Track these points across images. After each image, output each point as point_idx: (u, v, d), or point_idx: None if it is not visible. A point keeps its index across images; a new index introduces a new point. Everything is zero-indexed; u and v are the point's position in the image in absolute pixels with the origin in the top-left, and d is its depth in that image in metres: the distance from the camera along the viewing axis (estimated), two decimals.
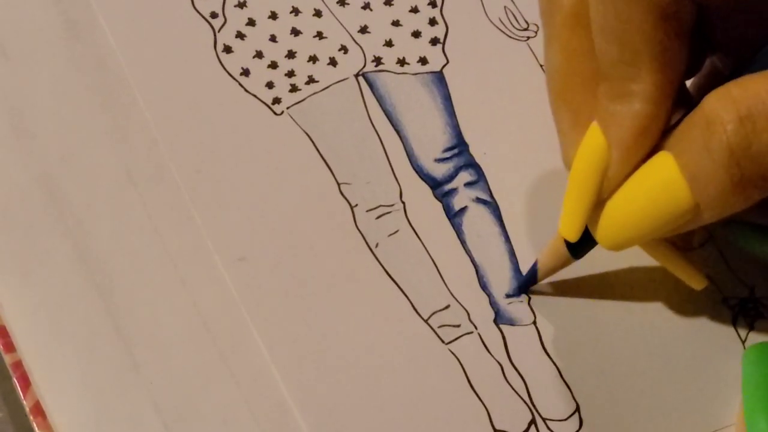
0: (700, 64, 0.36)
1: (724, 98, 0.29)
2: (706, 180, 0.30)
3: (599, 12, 0.31)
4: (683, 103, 0.34)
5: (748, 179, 0.29)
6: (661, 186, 0.31)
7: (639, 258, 0.38)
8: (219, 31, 0.40)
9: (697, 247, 0.39)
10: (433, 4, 0.42)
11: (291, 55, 0.40)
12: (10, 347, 0.34)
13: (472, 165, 0.39)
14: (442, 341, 0.36)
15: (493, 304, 0.37)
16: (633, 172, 0.32)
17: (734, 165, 0.29)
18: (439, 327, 0.36)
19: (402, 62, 0.41)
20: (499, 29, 0.43)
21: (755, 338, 0.38)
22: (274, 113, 0.39)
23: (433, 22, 0.42)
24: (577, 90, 0.33)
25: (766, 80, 0.29)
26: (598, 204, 0.33)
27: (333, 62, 0.40)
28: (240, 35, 0.40)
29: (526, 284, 0.37)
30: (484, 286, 0.37)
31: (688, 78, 0.36)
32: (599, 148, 0.32)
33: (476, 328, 0.36)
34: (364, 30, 0.41)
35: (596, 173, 0.32)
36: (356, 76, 0.40)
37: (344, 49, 0.41)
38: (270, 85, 0.39)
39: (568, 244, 0.35)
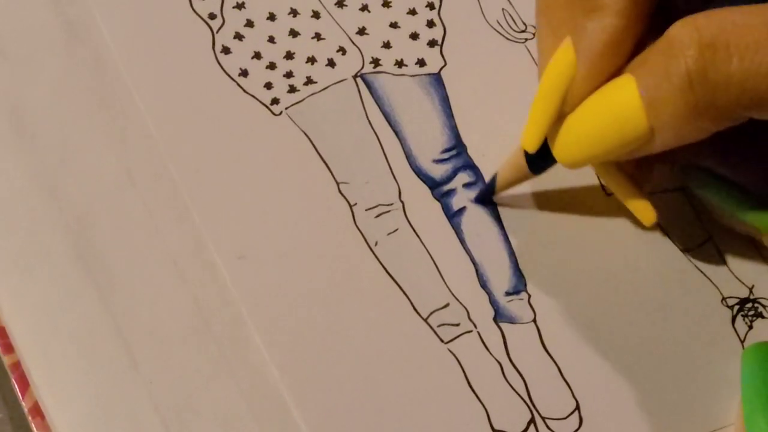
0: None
1: (688, 25, 0.30)
2: (662, 104, 0.30)
3: None
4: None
5: (702, 107, 0.30)
6: (618, 106, 0.32)
7: (640, 257, 0.38)
8: (217, 32, 0.40)
9: (695, 248, 0.39)
10: (431, 7, 0.43)
11: (289, 56, 0.40)
12: (8, 348, 0.34)
13: (471, 166, 0.39)
14: (441, 341, 0.36)
15: (492, 302, 0.37)
16: (597, 89, 0.33)
17: (690, 91, 0.30)
18: (439, 326, 0.36)
19: (400, 64, 0.41)
20: (497, 31, 0.43)
21: (754, 338, 0.38)
22: (273, 114, 0.39)
23: (431, 24, 0.42)
24: (559, 8, 0.34)
25: (731, 12, 0.29)
26: (560, 119, 0.34)
27: (331, 63, 0.40)
28: (238, 36, 0.40)
29: (485, 195, 0.38)
30: (483, 285, 0.37)
31: None
32: (568, 61, 0.33)
33: (476, 326, 0.36)
34: (362, 32, 0.41)
35: (562, 86, 0.33)
36: (354, 77, 0.40)
37: (342, 50, 0.41)
38: (269, 85, 0.39)
39: (527, 157, 0.36)
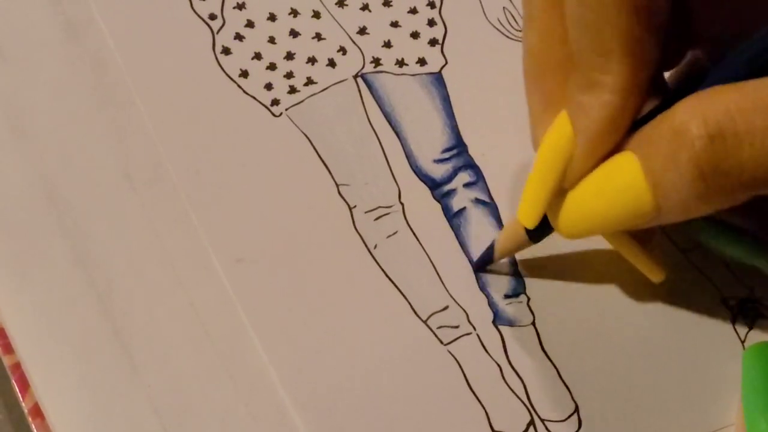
0: (679, 57, 0.36)
1: (694, 111, 0.29)
2: (669, 189, 0.30)
3: (573, 0, 0.31)
4: (658, 92, 0.34)
5: (712, 193, 0.29)
6: (624, 187, 0.31)
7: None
8: (218, 33, 0.40)
9: (695, 248, 0.39)
10: (431, 5, 0.43)
11: (290, 56, 0.40)
12: (8, 349, 0.34)
13: (471, 166, 0.39)
14: (441, 342, 0.36)
15: (491, 304, 0.37)
16: (597, 165, 0.32)
17: (700, 179, 0.29)
18: (438, 328, 0.36)
19: (401, 63, 0.41)
20: (498, 30, 0.43)
21: (755, 338, 0.38)
22: (273, 115, 0.39)
23: (431, 23, 0.42)
24: (550, 73, 0.33)
25: (738, 94, 0.29)
26: (559, 193, 0.33)
27: (332, 63, 0.40)
28: (239, 37, 0.40)
29: (482, 263, 0.37)
30: (482, 287, 0.37)
31: (668, 70, 0.37)
32: (565, 137, 0.32)
33: (475, 329, 0.36)
34: (362, 31, 0.41)
35: (560, 162, 0.32)
36: (355, 77, 0.40)
37: (343, 50, 0.41)
38: (269, 86, 0.39)
39: (526, 229, 0.35)
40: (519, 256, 0.38)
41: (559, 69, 0.33)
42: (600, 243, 0.38)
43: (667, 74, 0.37)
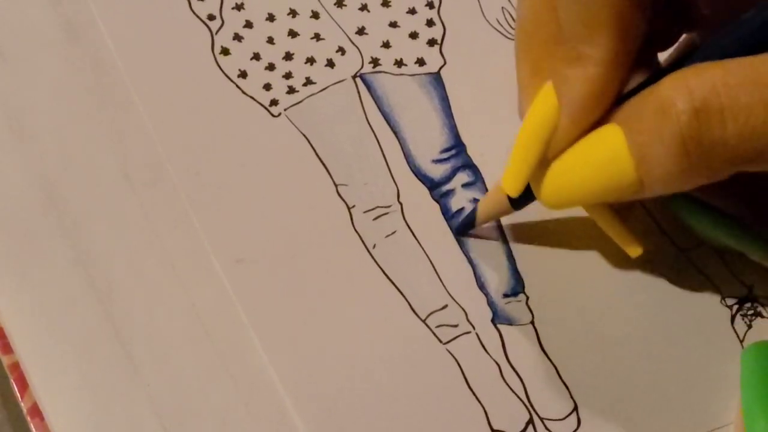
0: (674, 38, 0.36)
1: (680, 86, 0.29)
2: (653, 162, 0.30)
3: None
4: (647, 69, 0.34)
5: (696, 168, 0.30)
6: (607, 158, 0.31)
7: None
8: (216, 34, 0.40)
9: (694, 248, 0.39)
10: (430, 6, 0.43)
11: (288, 56, 0.40)
12: (7, 348, 0.34)
13: (470, 166, 0.39)
14: (440, 341, 0.36)
15: (490, 303, 0.37)
16: (581, 137, 0.32)
17: (684, 154, 0.29)
18: (437, 327, 0.36)
19: (399, 63, 0.41)
20: (497, 30, 0.43)
21: (753, 337, 0.38)
22: (272, 115, 0.39)
23: (430, 23, 0.42)
24: (540, 42, 0.33)
25: (723, 71, 0.29)
26: (543, 163, 0.33)
27: (330, 64, 0.40)
28: (237, 37, 0.40)
29: (464, 227, 0.38)
30: (481, 286, 0.37)
31: (662, 50, 0.37)
32: (550, 108, 0.32)
33: (474, 327, 0.36)
34: (361, 31, 0.41)
35: (545, 133, 0.33)
36: (354, 77, 0.40)
37: (342, 50, 0.41)
38: (267, 86, 0.39)
39: (509, 196, 0.35)
40: (518, 254, 0.38)
41: (548, 40, 0.33)
42: (599, 243, 0.38)
43: (662, 55, 0.37)
